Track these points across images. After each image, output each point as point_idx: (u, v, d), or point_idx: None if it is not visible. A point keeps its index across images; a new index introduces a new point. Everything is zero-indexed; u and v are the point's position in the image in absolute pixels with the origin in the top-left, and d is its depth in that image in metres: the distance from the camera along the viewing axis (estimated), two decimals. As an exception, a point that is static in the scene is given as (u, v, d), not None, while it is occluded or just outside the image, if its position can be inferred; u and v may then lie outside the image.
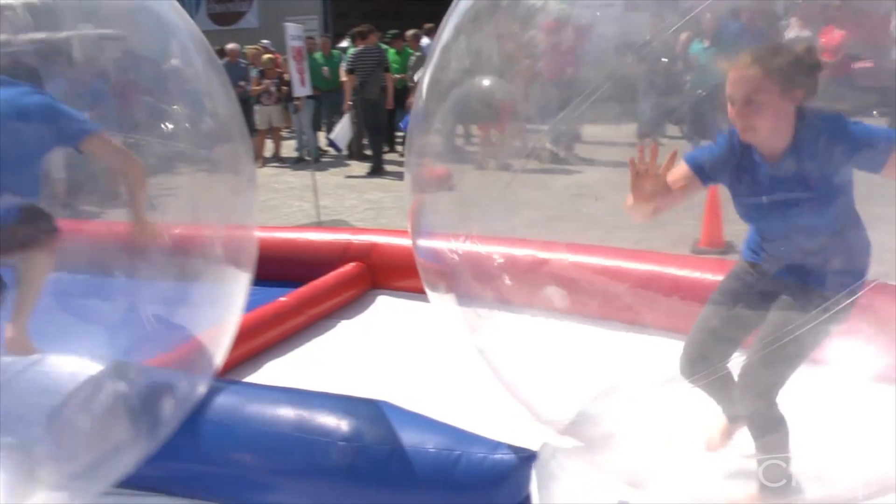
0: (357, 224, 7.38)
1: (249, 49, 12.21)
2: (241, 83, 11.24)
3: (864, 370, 2.64)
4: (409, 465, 2.59)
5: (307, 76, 8.09)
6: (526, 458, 2.57)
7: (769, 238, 2.43)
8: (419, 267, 3.09)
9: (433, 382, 3.90)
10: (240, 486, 2.87)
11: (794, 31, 2.28)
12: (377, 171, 10.90)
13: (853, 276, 2.27)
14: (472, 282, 2.95)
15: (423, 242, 3.13)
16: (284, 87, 11.24)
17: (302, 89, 7.89)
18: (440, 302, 3.03)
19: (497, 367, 2.75)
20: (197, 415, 2.89)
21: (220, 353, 3.03)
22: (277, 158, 12.27)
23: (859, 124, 2.15)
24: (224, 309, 3.04)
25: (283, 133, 12.73)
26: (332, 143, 11.11)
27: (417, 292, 5.20)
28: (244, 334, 4.38)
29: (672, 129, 2.93)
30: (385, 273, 5.33)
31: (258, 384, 3.86)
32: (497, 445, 2.60)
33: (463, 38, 2.83)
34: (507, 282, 2.97)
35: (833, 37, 2.27)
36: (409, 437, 2.66)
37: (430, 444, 2.61)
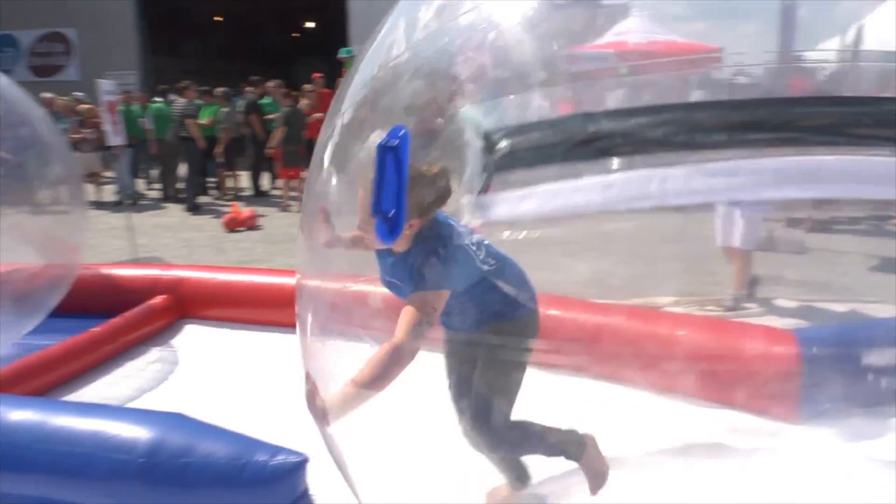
0: (172, 261, 7.20)
1: (60, 100, 11.59)
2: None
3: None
4: (201, 471, 2.63)
5: (121, 126, 7.87)
6: (301, 462, 2.64)
7: None
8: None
9: (232, 396, 3.98)
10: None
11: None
12: (193, 209, 10.74)
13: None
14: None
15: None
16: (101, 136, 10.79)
17: (116, 139, 7.66)
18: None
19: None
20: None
21: None
22: (98, 203, 11.70)
23: (423, 268, 2.15)
24: None
25: (104, 178, 12.15)
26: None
27: (222, 320, 5.25)
28: (58, 360, 4.28)
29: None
30: (192, 304, 5.29)
31: (53, 400, 3.78)
32: (277, 451, 2.65)
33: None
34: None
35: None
36: (203, 446, 2.71)
37: (220, 452, 2.67)
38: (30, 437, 2.81)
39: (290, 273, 4.54)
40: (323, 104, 12.20)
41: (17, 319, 4.51)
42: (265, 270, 5.73)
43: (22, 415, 2.92)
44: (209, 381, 4.34)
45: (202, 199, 11.42)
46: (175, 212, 10.98)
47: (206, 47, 21.90)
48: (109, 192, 12.01)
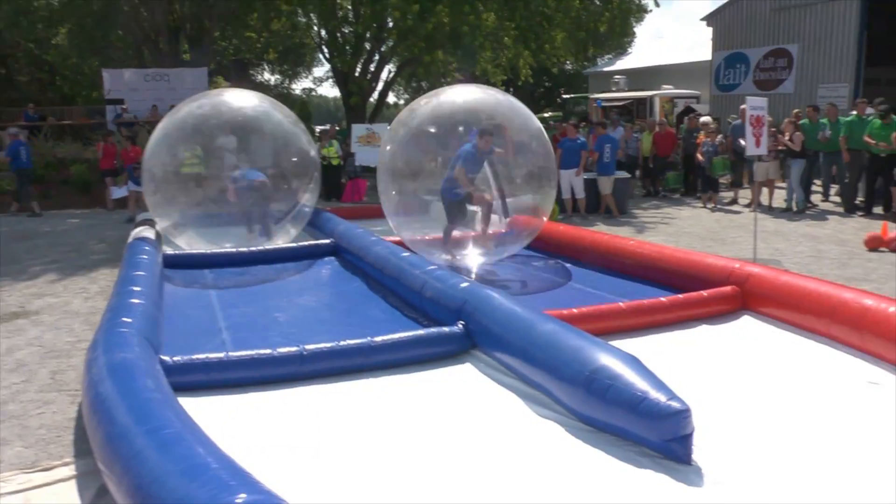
0: (788, 267, 7.64)
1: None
2: None
3: None
4: (619, 393, 3.55)
5: (768, 140, 8.58)
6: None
7: None
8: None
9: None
10: None
11: None
12: None
13: None
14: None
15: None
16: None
17: (756, 150, 8.42)
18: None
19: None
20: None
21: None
22: (769, 207, 12.60)
23: None
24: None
25: (778, 186, 12.94)
26: None
27: (783, 321, 5.70)
28: (622, 314, 5.52)
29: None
30: (755, 298, 5.88)
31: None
32: (671, 396, 3.43)
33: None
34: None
35: None
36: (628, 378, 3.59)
37: (635, 386, 3.53)
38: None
39: (870, 295, 4.79)
40: None
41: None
42: (839, 285, 5.77)
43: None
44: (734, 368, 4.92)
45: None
46: (832, 225, 11.09)
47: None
48: (779, 199, 12.77)
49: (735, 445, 3.56)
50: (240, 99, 9.06)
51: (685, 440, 3.34)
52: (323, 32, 22.59)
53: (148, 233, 8.19)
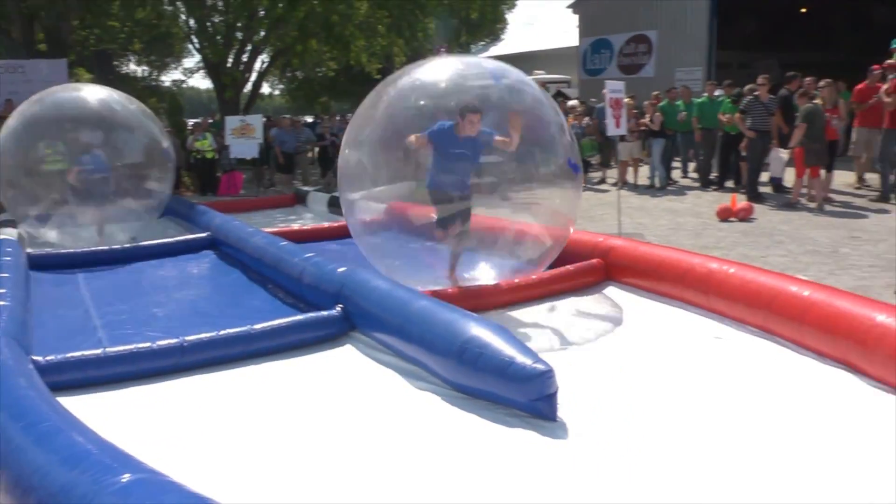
0: (650, 239, 8.22)
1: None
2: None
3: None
4: (488, 361, 3.82)
5: (624, 120, 9.19)
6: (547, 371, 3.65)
7: None
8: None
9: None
10: None
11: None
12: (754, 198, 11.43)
13: None
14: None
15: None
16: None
17: (616, 130, 9.00)
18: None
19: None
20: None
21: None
22: (633, 185, 13.33)
23: None
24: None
25: (642, 162, 13.73)
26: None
27: (642, 289, 6.18)
28: (498, 292, 5.77)
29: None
30: (617, 269, 6.35)
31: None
32: (536, 359, 3.73)
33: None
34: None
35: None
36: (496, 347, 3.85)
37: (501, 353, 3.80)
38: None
39: (714, 259, 5.27)
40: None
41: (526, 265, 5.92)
42: (690, 252, 6.32)
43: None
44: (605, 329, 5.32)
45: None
46: (690, 199, 11.93)
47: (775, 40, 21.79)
48: (643, 176, 13.59)
49: (596, 401, 3.91)
50: (87, 92, 9.41)
51: (550, 399, 3.65)
52: (192, 21, 21.91)
53: (8, 234, 7.85)
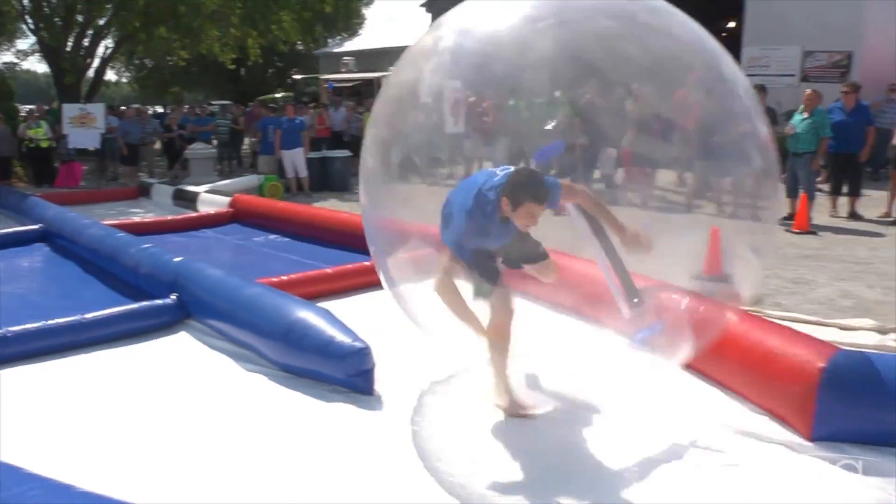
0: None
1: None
2: None
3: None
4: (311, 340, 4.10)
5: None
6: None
7: None
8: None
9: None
10: None
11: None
12: None
13: None
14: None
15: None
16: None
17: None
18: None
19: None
20: None
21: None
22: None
23: None
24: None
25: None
26: None
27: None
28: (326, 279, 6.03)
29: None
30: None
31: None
32: (355, 337, 4.05)
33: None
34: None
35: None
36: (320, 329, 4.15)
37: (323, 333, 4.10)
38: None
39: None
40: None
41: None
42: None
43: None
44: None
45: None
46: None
47: None
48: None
49: (409, 375, 4.27)
50: None
51: (367, 374, 3.99)
52: (25, 0, 20.60)
53: None
